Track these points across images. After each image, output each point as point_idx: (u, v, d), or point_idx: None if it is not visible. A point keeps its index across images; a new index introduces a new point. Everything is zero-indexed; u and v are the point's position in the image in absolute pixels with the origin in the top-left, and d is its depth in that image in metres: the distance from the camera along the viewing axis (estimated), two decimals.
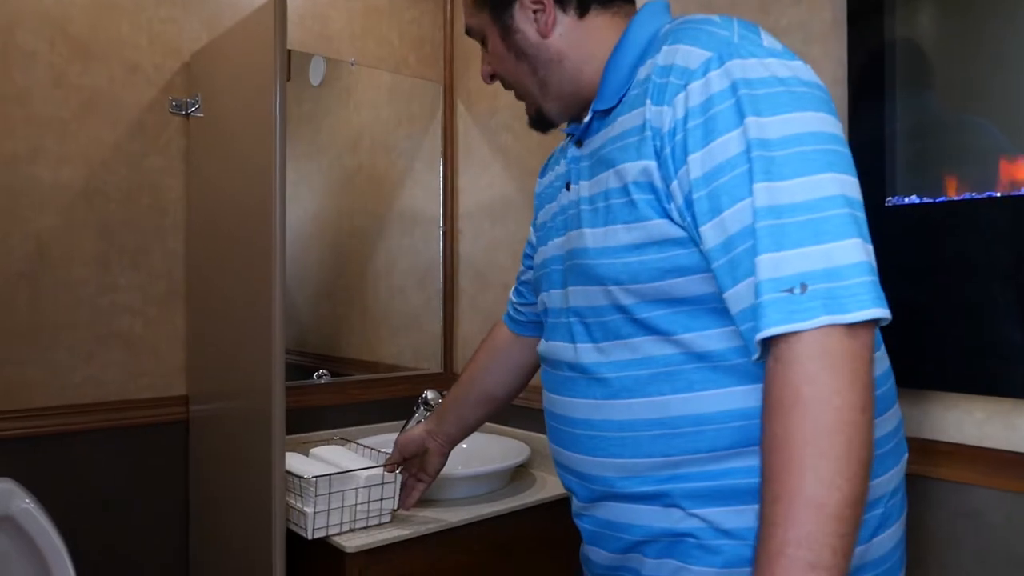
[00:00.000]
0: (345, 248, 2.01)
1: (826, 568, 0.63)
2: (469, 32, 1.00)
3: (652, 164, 0.78)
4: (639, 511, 0.85)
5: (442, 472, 1.46)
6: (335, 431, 1.78)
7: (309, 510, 1.32)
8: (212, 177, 1.57)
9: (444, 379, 2.07)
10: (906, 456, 0.90)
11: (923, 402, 1.20)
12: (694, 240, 0.76)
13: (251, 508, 1.36)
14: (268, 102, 1.32)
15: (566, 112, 0.96)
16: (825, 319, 0.65)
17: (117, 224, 1.58)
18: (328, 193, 2.00)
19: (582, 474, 0.89)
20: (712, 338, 0.78)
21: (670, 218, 0.77)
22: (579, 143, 0.92)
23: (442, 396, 1.79)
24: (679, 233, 0.77)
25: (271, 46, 1.32)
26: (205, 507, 1.60)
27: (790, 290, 0.66)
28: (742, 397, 0.78)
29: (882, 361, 0.88)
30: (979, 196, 1.11)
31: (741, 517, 0.79)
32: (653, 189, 0.78)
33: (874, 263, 0.69)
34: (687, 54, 0.77)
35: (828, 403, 0.65)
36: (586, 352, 0.87)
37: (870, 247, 0.70)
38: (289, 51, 1.82)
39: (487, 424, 1.88)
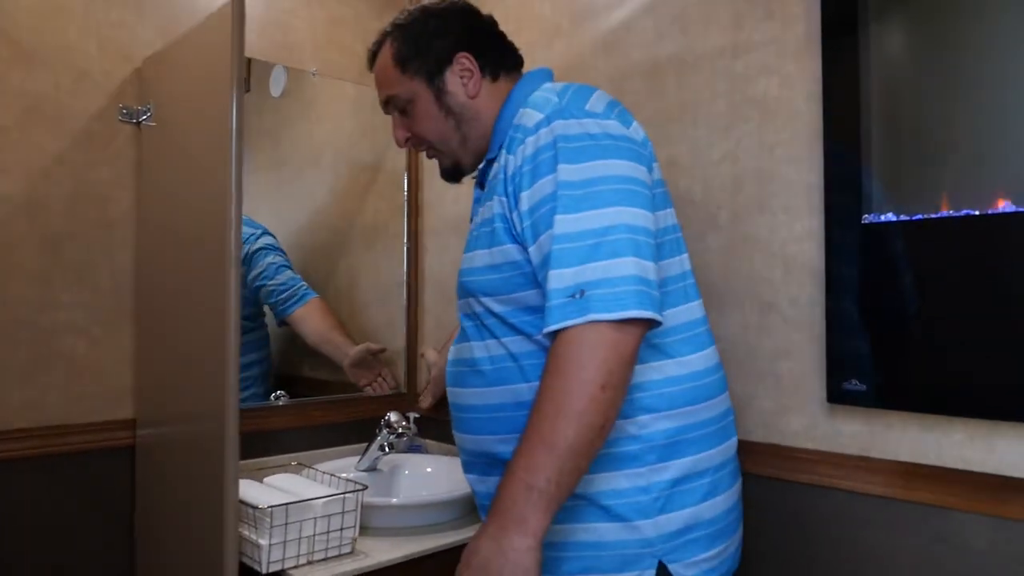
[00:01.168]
0: (305, 264, 1.94)
1: (540, 491, 0.85)
2: (389, 102, 1.17)
3: (504, 199, 1.01)
4: None
5: (404, 500, 1.41)
6: (293, 455, 1.70)
7: (264, 542, 1.24)
8: (164, 189, 1.49)
9: (407, 400, 2.00)
10: (733, 439, 1.12)
11: (901, 424, 1.18)
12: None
13: (201, 540, 1.27)
14: (225, 112, 1.26)
15: (477, 162, 1.17)
16: (592, 316, 0.87)
17: (60, 238, 1.49)
18: (288, 207, 1.94)
19: (472, 451, 1.09)
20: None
21: (517, 242, 0.99)
22: (481, 185, 1.15)
23: (405, 418, 1.73)
24: (523, 255, 0.99)
25: (228, 53, 1.26)
26: (152, 539, 1.51)
27: (572, 296, 0.88)
28: None
29: (711, 357, 1.09)
30: (956, 214, 1.10)
31: (595, 483, 0.98)
32: (506, 219, 1.01)
33: (649, 276, 0.90)
34: (530, 116, 1.03)
35: (576, 376, 0.87)
36: (469, 349, 1.08)
37: (647, 264, 0.91)
38: (249, 60, 1.76)
39: (450, 447, 1.83)
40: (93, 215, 1.53)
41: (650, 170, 1.03)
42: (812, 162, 1.27)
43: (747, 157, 1.36)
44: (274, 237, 1.84)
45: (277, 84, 1.87)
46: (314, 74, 1.88)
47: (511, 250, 1.00)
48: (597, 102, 1.04)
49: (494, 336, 1.04)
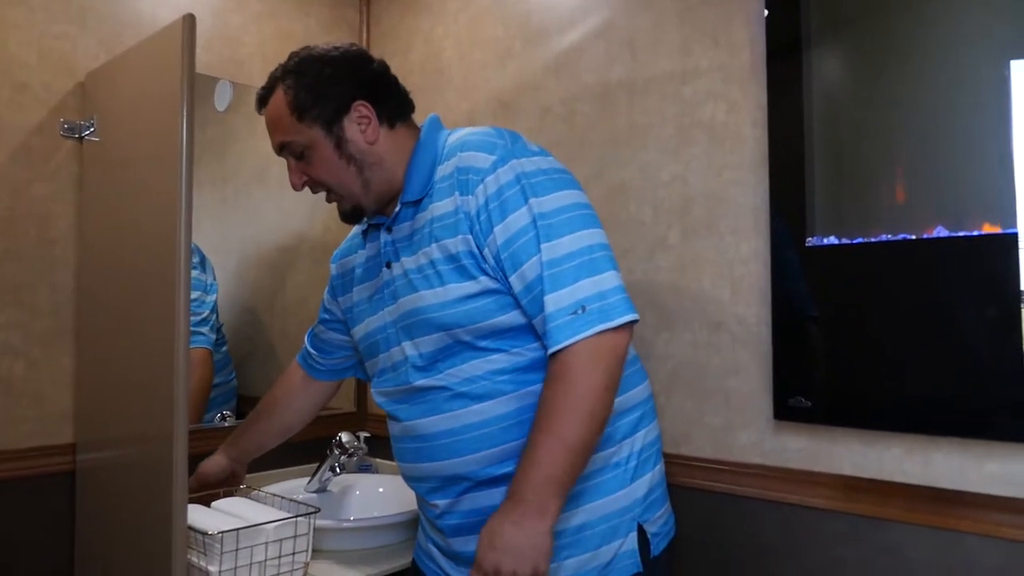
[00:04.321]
0: (251, 282, 1.91)
1: (556, 479, 0.98)
2: (284, 148, 1.16)
3: (469, 237, 1.07)
4: (497, 492, 1.07)
5: (357, 522, 1.40)
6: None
7: (214, 569, 1.21)
8: (109, 206, 1.45)
9: (357, 418, 1.98)
10: (655, 422, 1.21)
11: (844, 439, 1.22)
12: (505, 288, 1.06)
13: (148, 569, 1.23)
14: (173, 128, 1.23)
15: (378, 205, 1.19)
16: (599, 327, 0.99)
17: None
18: (233, 224, 1.90)
19: (447, 476, 1.12)
20: (532, 349, 1.08)
21: (487, 275, 1.07)
22: (389, 229, 1.18)
23: (356, 437, 1.72)
24: (496, 284, 1.07)
25: (178, 69, 1.24)
26: (94, 570, 1.45)
27: (574, 313, 0.99)
28: None
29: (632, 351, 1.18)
30: (894, 238, 1.15)
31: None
32: (472, 255, 1.07)
33: (623, 284, 1.04)
34: (476, 158, 1.09)
35: (584, 381, 0.99)
36: (439, 379, 1.11)
37: (619, 274, 1.04)
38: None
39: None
40: (31, 232, 1.48)
41: None
42: (758, 185, 1.32)
43: (696, 180, 1.40)
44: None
45: (222, 99, 1.84)
46: None
47: (484, 280, 1.07)
48: (528, 143, 1.14)
49: (463, 362, 1.10)
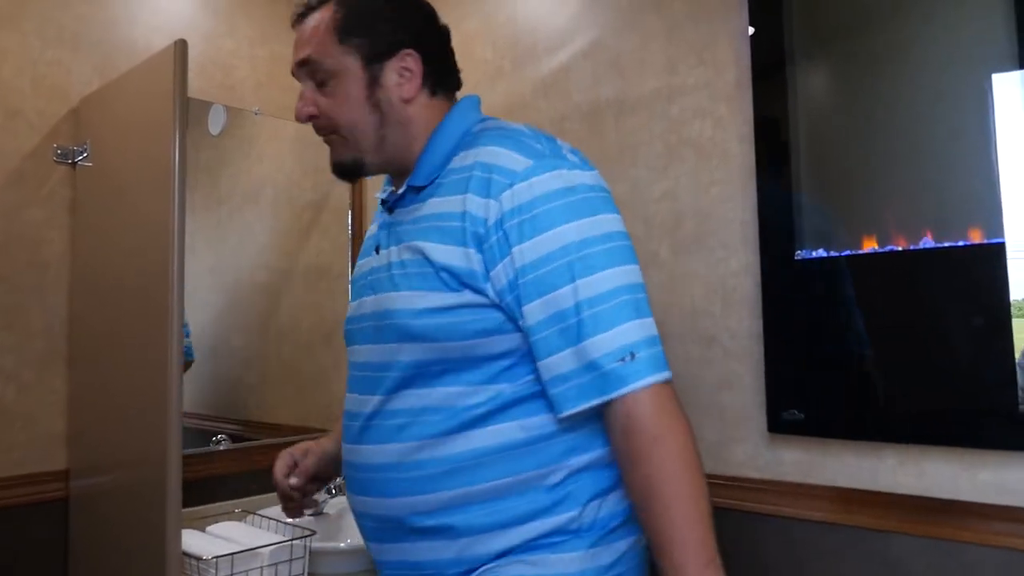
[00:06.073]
0: (246, 304, 1.91)
1: (716, 563, 0.81)
2: (306, 65, 0.99)
3: (471, 250, 0.90)
4: (428, 547, 0.92)
5: (353, 544, 1.39)
6: (236, 502, 1.65)
7: None
8: (102, 230, 1.46)
9: None
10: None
11: (838, 451, 1.22)
12: (503, 311, 0.90)
13: None
14: (166, 153, 1.25)
15: (382, 169, 1.03)
16: (653, 378, 0.84)
17: None
18: (227, 247, 1.91)
19: (381, 516, 0.96)
20: (502, 388, 0.91)
21: (482, 293, 0.90)
22: (390, 210, 1.02)
23: None
24: (481, 299, 0.90)
25: (170, 94, 1.25)
26: None
27: (622, 359, 0.84)
28: (512, 431, 0.90)
29: None
30: (881, 250, 1.16)
31: (512, 535, 0.90)
32: (470, 272, 0.90)
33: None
34: (509, 158, 0.91)
35: (675, 443, 0.83)
36: (394, 400, 0.95)
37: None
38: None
39: None
40: (24, 257, 1.48)
41: None
42: (746, 200, 1.33)
43: (685, 196, 1.41)
44: None
45: (216, 122, 1.85)
46: (257, 113, 1.87)
47: (468, 295, 0.90)
48: (570, 152, 0.96)
49: (421, 387, 0.93)
